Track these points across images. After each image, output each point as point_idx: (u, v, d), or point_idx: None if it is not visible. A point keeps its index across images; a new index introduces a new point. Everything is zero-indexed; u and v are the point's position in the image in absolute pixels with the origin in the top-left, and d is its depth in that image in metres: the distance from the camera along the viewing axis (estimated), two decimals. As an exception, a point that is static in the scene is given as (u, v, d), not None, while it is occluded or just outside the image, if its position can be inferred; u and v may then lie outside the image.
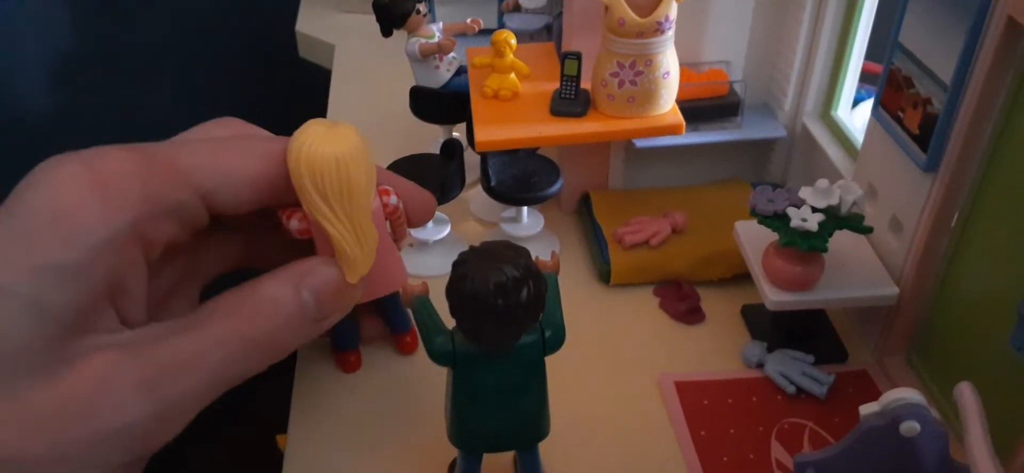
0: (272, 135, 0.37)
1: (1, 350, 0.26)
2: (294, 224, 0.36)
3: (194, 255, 0.37)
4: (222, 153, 0.34)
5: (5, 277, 0.27)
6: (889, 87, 0.43)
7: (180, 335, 0.30)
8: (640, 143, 0.56)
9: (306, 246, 0.37)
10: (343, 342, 0.46)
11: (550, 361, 0.35)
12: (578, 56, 0.50)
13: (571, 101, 0.51)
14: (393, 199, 0.39)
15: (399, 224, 0.41)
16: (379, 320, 0.47)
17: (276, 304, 0.33)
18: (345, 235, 0.35)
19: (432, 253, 0.53)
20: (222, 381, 0.31)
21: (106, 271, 0.29)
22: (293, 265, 0.34)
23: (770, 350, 0.47)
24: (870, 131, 0.46)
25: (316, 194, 0.34)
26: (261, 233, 0.39)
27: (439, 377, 0.37)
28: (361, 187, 0.36)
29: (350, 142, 0.35)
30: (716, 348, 0.48)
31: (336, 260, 0.36)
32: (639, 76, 0.49)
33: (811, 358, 0.46)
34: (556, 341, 0.35)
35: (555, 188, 0.52)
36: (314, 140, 0.34)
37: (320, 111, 0.73)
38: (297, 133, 0.35)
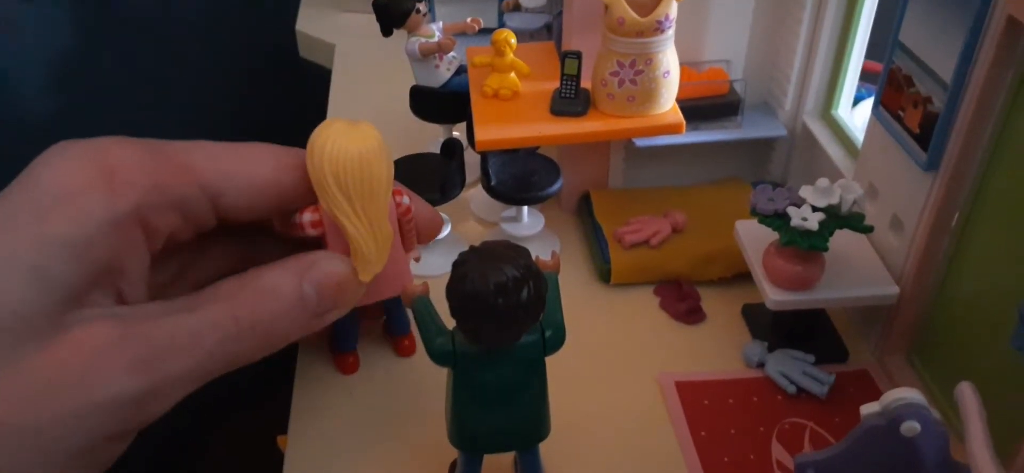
0: (287, 147, 0.37)
1: (3, 316, 0.27)
2: (307, 218, 0.36)
3: (195, 254, 0.37)
4: (233, 156, 0.35)
5: (12, 246, 0.28)
6: (889, 86, 0.43)
7: (177, 315, 0.31)
8: (640, 142, 0.56)
9: (311, 246, 0.37)
10: (342, 343, 0.46)
11: (550, 361, 0.35)
12: (578, 55, 0.50)
13: (571, 100, 0.51)
14: (405, 199, 0.40)
15: (409, 228, 0.41)
16: (379, 312, 0.47)
17: (276, 293, 0.33)
18: (363, 233, 0.36)
19: (432, 253, 0.53)
20: (216, 365, 0.31)
21: (108, 251, 0.30)
22: (298, 257, 0.35)
23: (771, 350, 0.47)
24: (870, 130, 0.46)
25: (338, 191, 0.35)
26: (264, 241, 0.39)
27: (439, 378, 0.37)
28: (383, 184, 0.36)
29: (373, 139, 0.35)
30: (717, 348, 0.48)
31: (343, 256, 0.36)
32: (639, 75, 0.49)
33: (812, 358, 0.46)
34: (556, 341, 0.35)
35: (555, 187, 0.52)
36: (337, 137, 0.35)
37: (320, 110, 0.73)
38: (318, 131, 0.35)
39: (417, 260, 0.44)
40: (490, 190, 0.53)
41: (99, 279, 0.30)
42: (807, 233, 0.42)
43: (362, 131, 0.35)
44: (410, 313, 0.37)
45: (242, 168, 0.35)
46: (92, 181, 0.30)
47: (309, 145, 0.35)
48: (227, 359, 0.32)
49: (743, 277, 0.50)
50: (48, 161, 0.30)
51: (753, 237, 0.47)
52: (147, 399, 0.29)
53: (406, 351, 0.47)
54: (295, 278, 0.34)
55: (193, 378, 0.31)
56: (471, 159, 0.54)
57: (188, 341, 0.30)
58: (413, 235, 0.42)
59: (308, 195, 0.36)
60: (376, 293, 0.40)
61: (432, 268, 0.52)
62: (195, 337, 0.30)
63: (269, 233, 0.39)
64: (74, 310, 0.29)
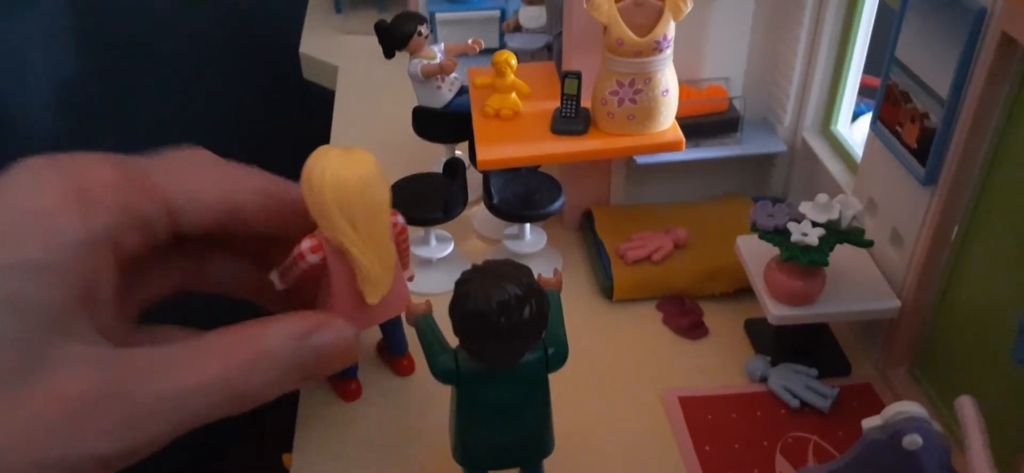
0: (243, 166, 0.37)
1: None
2: (305, 245, 0.36)
3: (146, 268, 0.36)
4: (194, 175, 0.35)
5: None
6: (887, 102, 0.43)
7: (170, 373, 0.29)
8: (641, 159, 0.56)
9: (264, 265, 0.37)
10: (342, 371, 0.45)
11: (554, 378, 0.36)
12: (578, 75, 0.51)
13: (572, 119, 0.52)
14: (400, 219, 0.40)
15: (405, 247, 0.41)
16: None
17: (273, 358, 0.32)
18: (368, 257, 0.36)
19: (435, 271, 0.53)
20: (199, 423, 0.30)
21: (81, 275, 0.29)
22: (304, 316, 0.34)
23: (774, 364, 0.47)
24: (869, 145, 0.47)
25: (343, 218, 0.35)
26: (215, 255, 0.39)
27: (443, 395, 0.37)
28: (384, 207, 0.36)
29: (371, 164, 0.36)
30: (720, 363, 0.48)
31: (347, 322, 0.35)
32: (638, 94, 0.50)
33: (814, 372, 0.46)
34: (559, 358, 0.35)
35: (557, 205, 0.53)
36: (337, 165, 0.35)
37: (324, 132, 0.74)
38: (314, 162, 0.35)
39: (411, 279, 0.44)
40: (492, 208, 0.53)
41: (76, 303, 0.29)
42: (807, 249, 0.42)
43: (359, 157, 0.36)
44: (410, 332, 0.37)
45: (201, 185, 0.34)
46: (64, 202, 0.29)
47: (306, 176, 0.35)
48: (211, 418, 0.31)
49: (745, 292, 0.50)
50: (17, 180, 0.29)
51: (754, 252, 0.47)
52: (125, 456, 0.29)
53: (405, 371, 0.47)
54: (296, 342, 0.33)
55: (174, 436, 0.30)
56: (473, 178, 0.55)
57: (178, 404, 0.29)
58: (408, 254, 0.42)
59: (265, 218, 0.36)
60: (379, 315, 0.40)
61: (435, 286, 0.52)
62: (185, 399, 0.29)
63: (221, 247, 0.38)
64: (56, 339, 0.28)
